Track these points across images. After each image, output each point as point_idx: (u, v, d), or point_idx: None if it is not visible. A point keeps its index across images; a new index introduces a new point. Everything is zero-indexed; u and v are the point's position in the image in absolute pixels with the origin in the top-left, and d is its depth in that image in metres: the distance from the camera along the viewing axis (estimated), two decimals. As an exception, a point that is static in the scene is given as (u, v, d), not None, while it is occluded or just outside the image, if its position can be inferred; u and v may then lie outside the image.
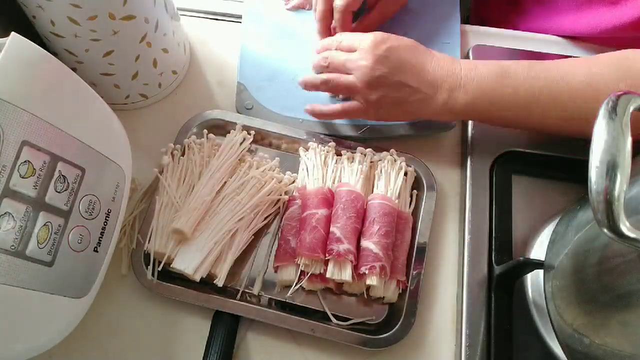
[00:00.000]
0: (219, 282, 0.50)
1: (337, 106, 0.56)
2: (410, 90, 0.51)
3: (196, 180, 0.53)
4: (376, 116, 0.55)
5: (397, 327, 0.48)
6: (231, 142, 0.56)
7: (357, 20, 0.63)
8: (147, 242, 0.51)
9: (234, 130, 0.58)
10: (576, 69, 0.49)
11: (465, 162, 0.57)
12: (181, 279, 0.50)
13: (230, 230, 0.51)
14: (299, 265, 0.50)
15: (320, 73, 0.56)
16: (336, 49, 0.56)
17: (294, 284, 0.50)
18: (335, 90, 0.56)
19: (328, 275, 0.49)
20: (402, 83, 0.51)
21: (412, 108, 0.52)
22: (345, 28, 0.59)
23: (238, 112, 0.60)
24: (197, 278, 0.49)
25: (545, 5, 0.69)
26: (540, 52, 0.64)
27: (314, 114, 0.57)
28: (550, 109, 0.49)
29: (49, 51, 0.42)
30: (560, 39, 0.67)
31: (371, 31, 0.54)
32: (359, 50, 0.52)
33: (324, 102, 0.61)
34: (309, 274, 0.50)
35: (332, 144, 0.57)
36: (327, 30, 0.61)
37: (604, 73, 0.48)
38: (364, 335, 0.49)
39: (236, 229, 0.51)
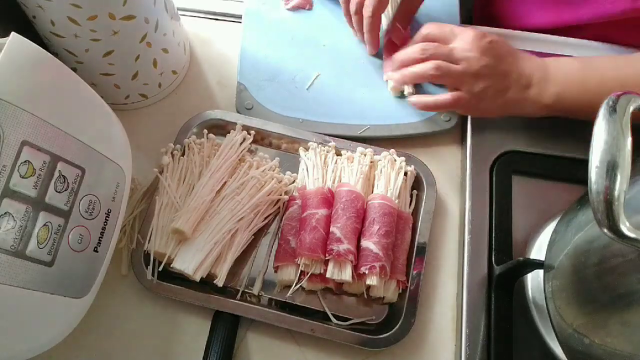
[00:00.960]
0: (219, 282, 0.50)
1: (445, 97, 0.56)
2: (510, 81, 0.53)
3: (196, 180, 0.53)
4: (477, 108, 0.56)
5: (397, 327, 0.48)
6: (231, 142, 0.56)
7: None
8: (147, 242, 0.51)
9: (234, 130, 0.58)
10: None
11: (465, 162, 0.57)
12: (181, 279, 0.50)
13: (230, 230, 0.51)
14: (299, 265, 0.50)
15: (407, 66, 0.57)
16: (427, 40, 0.57)
17: (294, 284, 0.50)
18: (444, 78, 0.56)
19: (328, 275, 0.49)
20: (505, 72, 0.53)
21: (510, 98, 0.54)
22: (375, 32, 0.61)
23: (238, 112, 0.60)
24: (197, 278, 0.49)
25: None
26: (540, 52, 0.64)
27: (421, 106, 0.58)
28: None
29: (49, 51, 0.42)
30: (560, 38, 0.67)
31: (405, 26, 0.58)
32: (460, 42, 0.54)
33: (326, 102, 0.61)
34: (309, 274, 0.50)
35: (332, 143, 0.57)
36: (377, 37, 0.62)
37: None
38: (364, 335, 0.49)
39: (236, 229, 0.51)
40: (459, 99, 0.55)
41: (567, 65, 0.53)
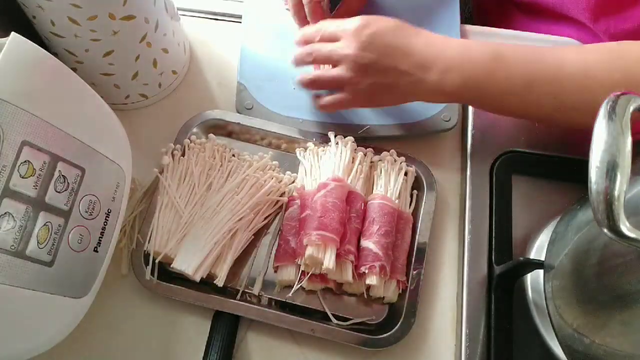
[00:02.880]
0: (219, 282, 0.50)
1: (328, 99, 0.55)
2: (399, 73, 0.49)
3: (196, 180, 0.53)
4: (368, 104, 0.55)
5: (397, 327, 0.48)
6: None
7: (335, 9, 0.62)
8: (147, 242, 0.51)
9: (239, 139, 0.57)
10: (571, 57, 0.48)
11: (465, 162, 0.58)
12: (181, 279, 0.50)
13: (230, 230, 0.51)
14: (299, 265, 0.50)
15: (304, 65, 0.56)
16: (319, 40, 0.54)
17: (294, 284, 0.50)
18: (325, 86, 0.55)
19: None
20: (390, 67, 0.49)
21: (403, 91, 0.51)
22: (316, 18, 0.58)
23: (238, 112, 0.60)
24: (197, 278, 0.49)
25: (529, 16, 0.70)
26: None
27: (318, 107, 0.57)
28: (542, 97, 0.48)
29: (49, 51, 0.42)
30: (561, 38, 0.67)
31: (350, 17, 0.52)
32: (343, 38, 0.51)
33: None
34: (309, 274, 0.50)
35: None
36: (304, 23, 0.60)
37: (599, 62, 0.47)
38: (364, 335, 0.49)
39: (236, 229, 0.51)
40: (341, 100, 0.54)
41: (477, 53, 0.49)
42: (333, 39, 0.52)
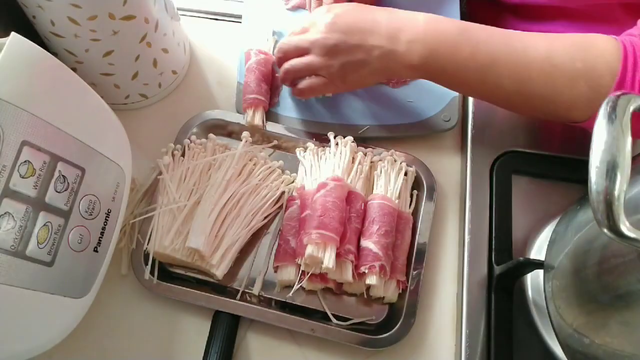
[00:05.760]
0: (217, 271, 0.49)
1: (303, 84, 0.56)
2: (368, 49, 0.50)
3: (197, 181, 0.53)
4: (345, 85, 0.54)
5: (397, 327, 0.48)
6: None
7: None
8: (147, 242, 0.51)
9: (235, 133, 0.57)
10: (538, 42, 0.48)
11: (466, 162, 0.57)
12: (181, 279, 0.50)
13: (233, 217, 0.51)
14: (299, 265, 0.50)
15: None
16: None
17: (294, 284, 0.50)
18: (299, 74, 0.55)
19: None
20: (357, 44, 0.50)
21: (375, 67, 0.51)
22: None
23: (238, 112, 0.60)
24: (206, 252, 0.48)
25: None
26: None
27: (296, 94, 0.58)
28: (504, 78, 0.48)
29: (49, 51, 0.42)
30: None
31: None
32: (310, 28, 0.53)
33: (326, 102, 0.61)
34: (309, 274, 0.50)
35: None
36: None
37: (564, 51, 0.47)
38: (364, 335, 0.49)
39: (234, 225, 0.51)
40: (317, 84, 0.54)
41: (444, 27, 0.49)
42: (304, 32, 0.54)
